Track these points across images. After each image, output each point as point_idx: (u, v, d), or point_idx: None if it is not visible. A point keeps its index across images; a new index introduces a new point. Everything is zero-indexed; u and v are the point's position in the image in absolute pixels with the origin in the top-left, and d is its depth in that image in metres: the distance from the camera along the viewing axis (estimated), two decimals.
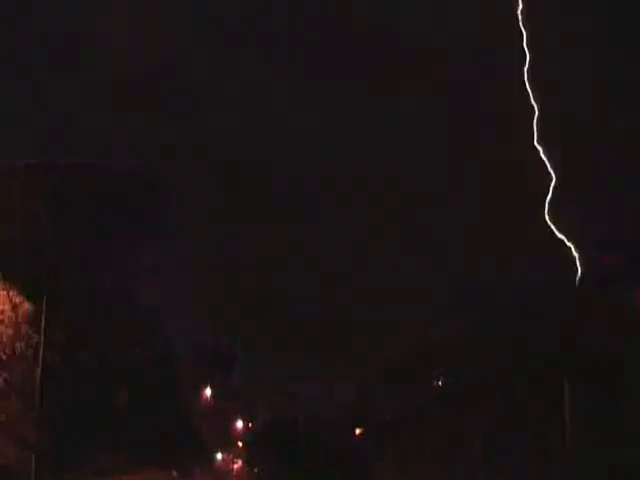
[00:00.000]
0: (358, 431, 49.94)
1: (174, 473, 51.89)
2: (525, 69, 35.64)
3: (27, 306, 28.81)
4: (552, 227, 29.43)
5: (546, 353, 16.20)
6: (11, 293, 29.08)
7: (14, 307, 29.02)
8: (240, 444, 71.80)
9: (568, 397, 13.06)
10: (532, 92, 35.21)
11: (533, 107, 35.07)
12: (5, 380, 28.42)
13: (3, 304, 28.95)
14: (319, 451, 42.57)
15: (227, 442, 72.01)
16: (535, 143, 34.07)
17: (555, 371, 14.79)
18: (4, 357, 28.61)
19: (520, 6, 36.11)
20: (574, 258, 29.10)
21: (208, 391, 46.36)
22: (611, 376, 11.55)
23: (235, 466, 62.96)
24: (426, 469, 29.40)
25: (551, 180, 32.72)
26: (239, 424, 65.59)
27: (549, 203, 31.63)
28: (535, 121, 34.66)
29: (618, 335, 12.69)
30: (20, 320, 28.77)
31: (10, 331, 28.79)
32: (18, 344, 28.65)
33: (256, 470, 55.84)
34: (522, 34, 35.95)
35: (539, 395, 17.01)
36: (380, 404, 45.75)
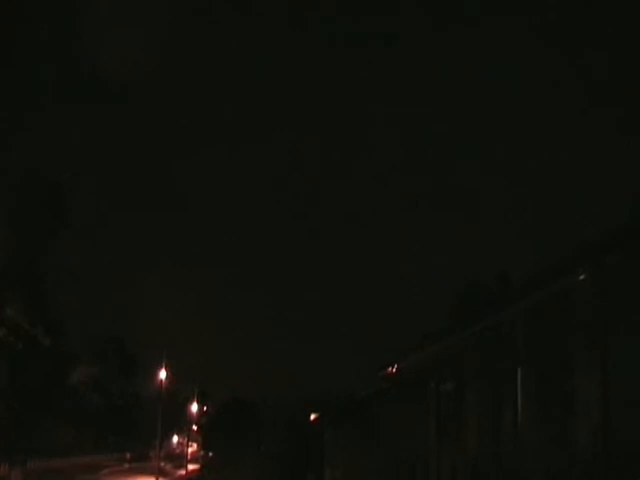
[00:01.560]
0: (314, 415, 50.07)
1: (128, 455, 51.45)
2: None
3: None
4: None
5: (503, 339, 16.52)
6: None
7: None
8: (195, 427, 71.44)
9: (520, 379, 13.32)
10: None
11: None
12: None
13: None
14: (274, 434, 42.62)
15: (182, 425, 71.76)
16: None
17: (510, 355, 15.10)
18: None
19: None
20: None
21: (163, 374, 45.77)
22: (560, 357, 11.83)
23: (190, 449, 62.68)
24: (379, 454, 29.63)
25: None
26: (194, 407, 65.07)
27: None
28: None
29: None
30: None
31: None
32: None
33: (211, 454, 55.62)
34: None
35: (492, 379, 17.33)
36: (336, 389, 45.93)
